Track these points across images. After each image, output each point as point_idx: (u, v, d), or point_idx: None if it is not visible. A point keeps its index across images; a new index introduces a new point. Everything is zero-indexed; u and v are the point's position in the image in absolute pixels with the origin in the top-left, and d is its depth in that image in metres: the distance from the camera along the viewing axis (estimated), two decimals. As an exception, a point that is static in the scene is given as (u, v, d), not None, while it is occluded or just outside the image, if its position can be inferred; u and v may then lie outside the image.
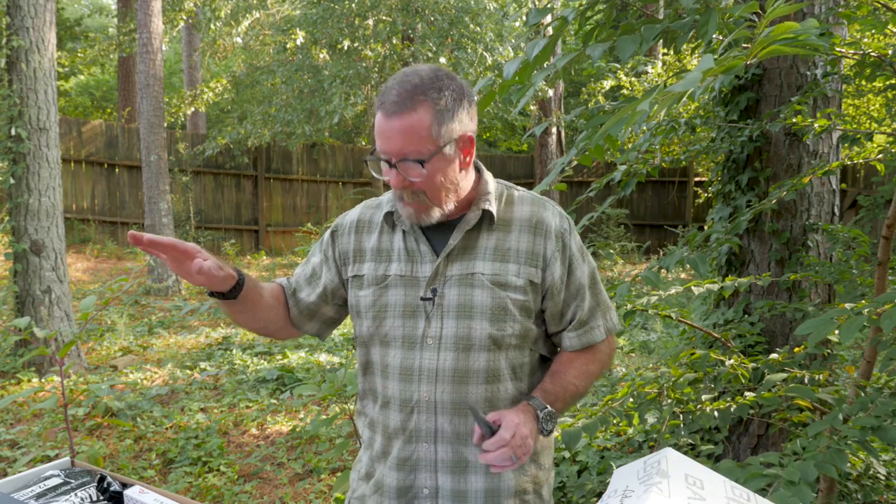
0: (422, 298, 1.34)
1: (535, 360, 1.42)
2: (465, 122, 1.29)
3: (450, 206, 1.32)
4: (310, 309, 1.49)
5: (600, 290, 1.44)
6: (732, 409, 1.95)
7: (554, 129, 10.74)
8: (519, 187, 1.45)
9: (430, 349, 1.33)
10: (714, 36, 1.44)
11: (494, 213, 1.35)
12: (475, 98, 1.36)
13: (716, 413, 2.00)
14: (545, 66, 1.52)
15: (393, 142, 1.24)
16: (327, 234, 1.50)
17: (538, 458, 1.42)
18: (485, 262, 1.34)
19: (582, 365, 1.41)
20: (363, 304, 1.39)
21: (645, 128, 2.61)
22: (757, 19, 1.10)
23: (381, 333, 1.37)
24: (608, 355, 1.46)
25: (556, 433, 1.85)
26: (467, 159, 1.33)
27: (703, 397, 2.16)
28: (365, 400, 1.46)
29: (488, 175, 1.41)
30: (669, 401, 2.13)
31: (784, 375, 1.94)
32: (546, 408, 1.32)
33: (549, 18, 7.25)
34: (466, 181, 1.35)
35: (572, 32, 1.77)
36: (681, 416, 2.13)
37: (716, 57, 0.97)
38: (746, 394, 1.98)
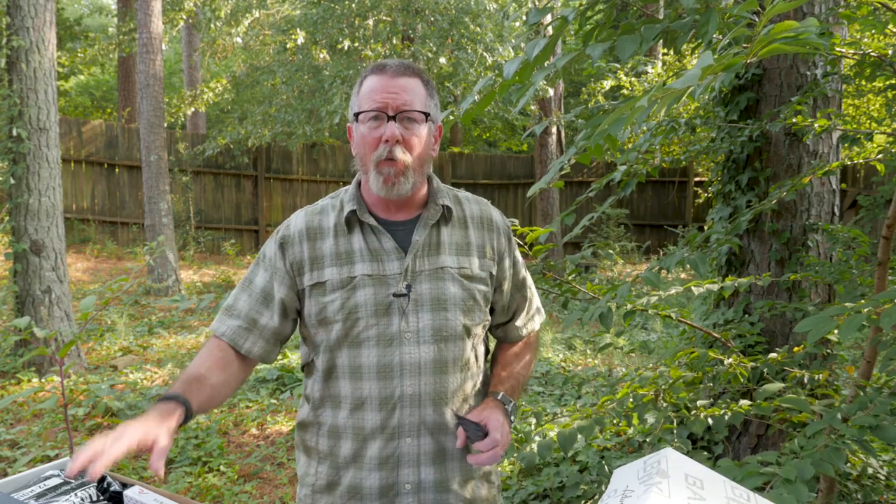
0: (395, 294, 1.35)
1: (485, 350, 1.53)
2: (439, 114, 1.41)
3: (418, 181, 1.37)
4: (275, 333, 1.42)
5: (532, 284, 1.60)
6: (727, 417, 1.95)
7: (554, 129, 10.73)
8: (459, 189, 1.53)
9: (410, 343, 1.35)
10: (714, 36, 1.44)
11: (452, 207, 1.42)
12: None
13: (710, 420, 2.00)
14: (545, 65, 1.52)
15: (397, 96, 1.31)
16: (271, 248, 1.43)
17: None
18: (451, 257, 1.40)
19: (524, 356, 1.56)
20: (330, 309, 1.36)
21: (645, 128, 2.61)
22: (756, 18, 1.10)
23: (353, 335, 1.36)
24: (537, 342, 1.63)
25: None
26: (435, 146, 1.41)
27: (699, 403, 2.16)
28: (322, 409, 1.43)
29: (435, 176, 1.47)
30: (665, 404, 2.14)
31: (781, 385, 1.94)
32: (511, 401, 1.43)
33: (549, 18, 7.26)
34: (429, 168, 1.43)
35: (572, 32, 1.77)
36: (674, 420, 2.13)
37: (715, 56, 0.97)
38: (742, 401, 1.99)
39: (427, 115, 1.35)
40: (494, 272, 1.45)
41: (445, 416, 1.38)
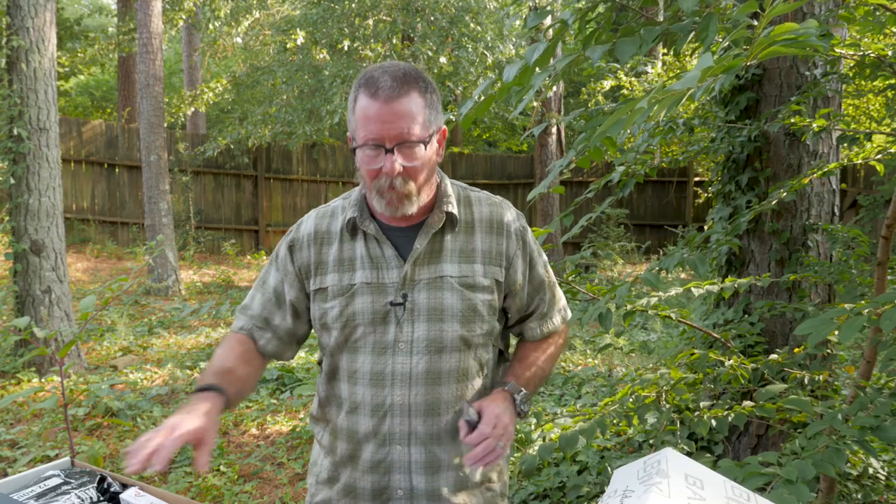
0: (391, 304, 1.33)
1: (496, 355, 1.48)
2: (441, 116, 1.33)
3: (424, 198, 1.32)
4: (289, 332, 1.44)
5: (555, 283, 1.52)
6: (730, 418, 1.95)
7: (554, 129, 10.73)
8: (474, 188, 1.47)
9: (403, 353, 1.34)
10: (715, 38, 1.44)
11: (457, 214, 1.37)
12: None
13: (713, 421, 2.00)
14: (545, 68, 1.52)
15: (393, 125, 1.22)
16: (282, 250, 1.44)
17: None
18: (452, 265, 1.36)
19: (545, 349, 1.49)
20: (330, 316, 1.37)
21: (644, 128, 2.61)
22: (756, 21, 1.10)
23: (351, 341, 1.37)
24: (565, 339, 1.56)
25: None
26: (440, 152, 1.35)
27: (702, 404, 2.16)
28: (327, 407, 1.45)
29: (445, 177, 1.42)
30: (667, 406, 2.14)
31: (784, 386, 1.94)
32: (521, 391, 1.38)
33: (548, 21, 7.25)
34: (436, 176, 1.37)
35: (572, 33, 1.77)
36: (678, 422, 2.13)
37: (715, 57, 0.97)
38: (745, 403, 1.98)
39: (427, 136, 1.27)
40: (502, 279, 1.39)
41: (439, 427, 1.35)
